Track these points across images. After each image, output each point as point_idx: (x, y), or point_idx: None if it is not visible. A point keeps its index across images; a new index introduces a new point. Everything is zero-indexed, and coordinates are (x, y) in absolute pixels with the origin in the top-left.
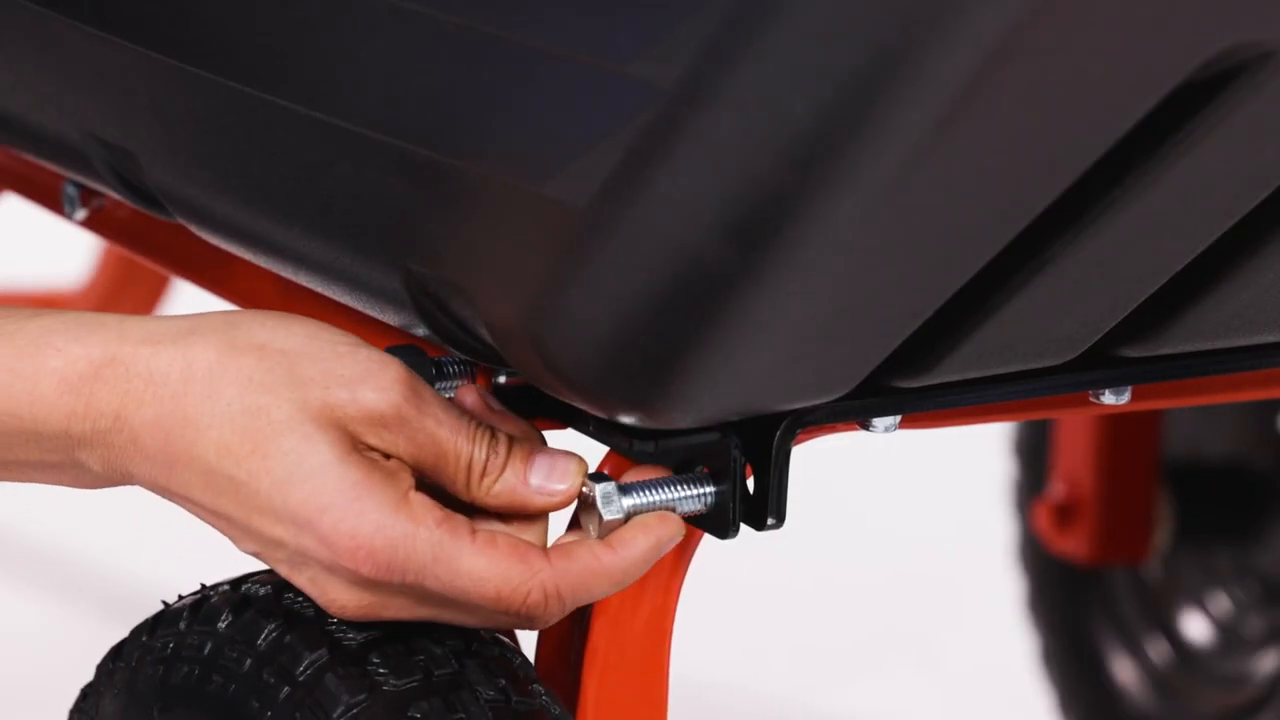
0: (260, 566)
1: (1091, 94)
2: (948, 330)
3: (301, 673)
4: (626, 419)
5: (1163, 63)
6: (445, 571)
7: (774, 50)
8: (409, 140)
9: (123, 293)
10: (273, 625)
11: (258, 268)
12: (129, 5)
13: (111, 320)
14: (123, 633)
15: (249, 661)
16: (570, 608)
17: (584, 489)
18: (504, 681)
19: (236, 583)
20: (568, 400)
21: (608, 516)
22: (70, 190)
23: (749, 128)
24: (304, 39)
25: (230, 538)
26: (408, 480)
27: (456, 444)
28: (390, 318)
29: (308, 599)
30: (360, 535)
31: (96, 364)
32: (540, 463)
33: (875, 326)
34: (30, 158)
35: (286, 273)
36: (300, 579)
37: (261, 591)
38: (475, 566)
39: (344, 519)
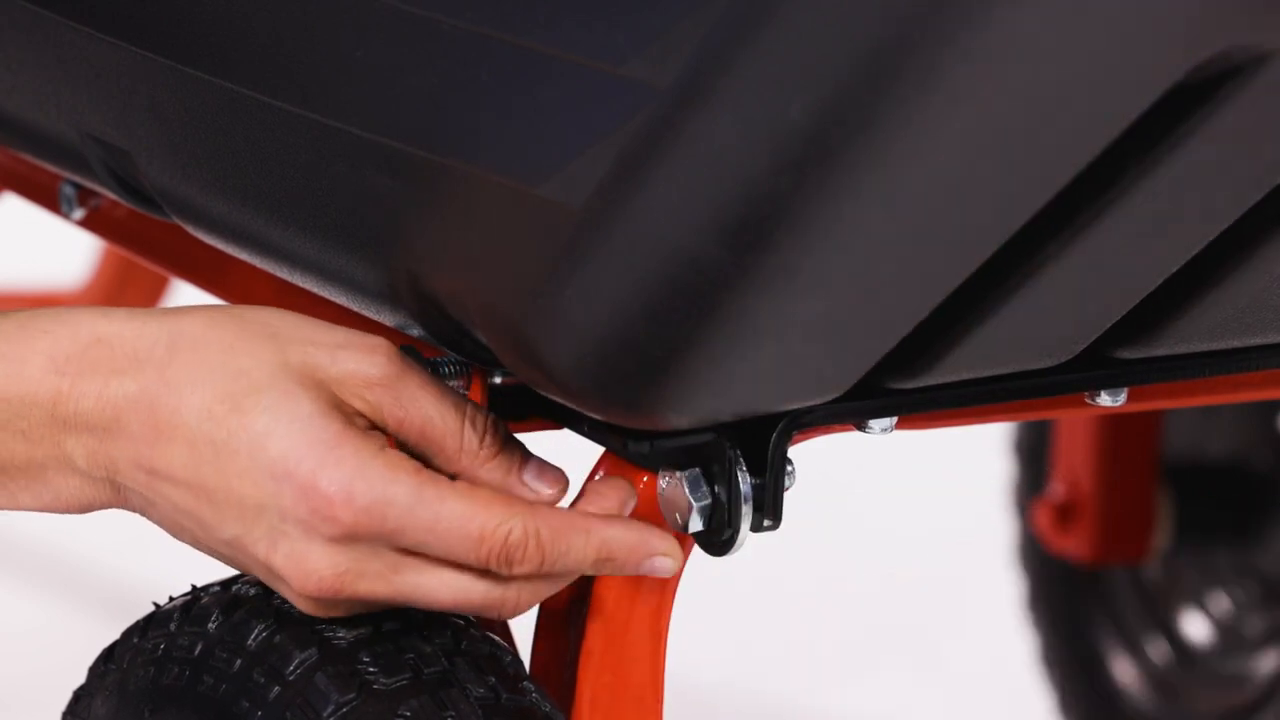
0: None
1: (1084, 96)
2: (943, 332)
3: (291, 672)
4: (621, 421)
5: (1156, 65)
6: (427, 515)
7: (769, 52)
8: (405, 141)
9: (122, 293)
10: (263, 625)
11: (254, 267)
12: (127, 6)
13: (98, 308)
14: (121, 632)
15: (239, 662)
16: (548, 564)
17: (663, 483)
18: (494, 679)
19: (227, 584)
20: (562, 401)
21: (695, 529)
22: (67, 190)
23: (744, 129)
24: (300, 40)
25: (209, 526)
26: (383, 439)
27: (444, 415)
28: (386, 318)
29: None
30: (339, 480)
31: (83, 344)
32: (534, 464)
33: (870, 328)
34: (28, 157)
35: (282, 273)
36: (278, 558)
37: (251, 592)
38: (457, 508)
39: (323, 466)
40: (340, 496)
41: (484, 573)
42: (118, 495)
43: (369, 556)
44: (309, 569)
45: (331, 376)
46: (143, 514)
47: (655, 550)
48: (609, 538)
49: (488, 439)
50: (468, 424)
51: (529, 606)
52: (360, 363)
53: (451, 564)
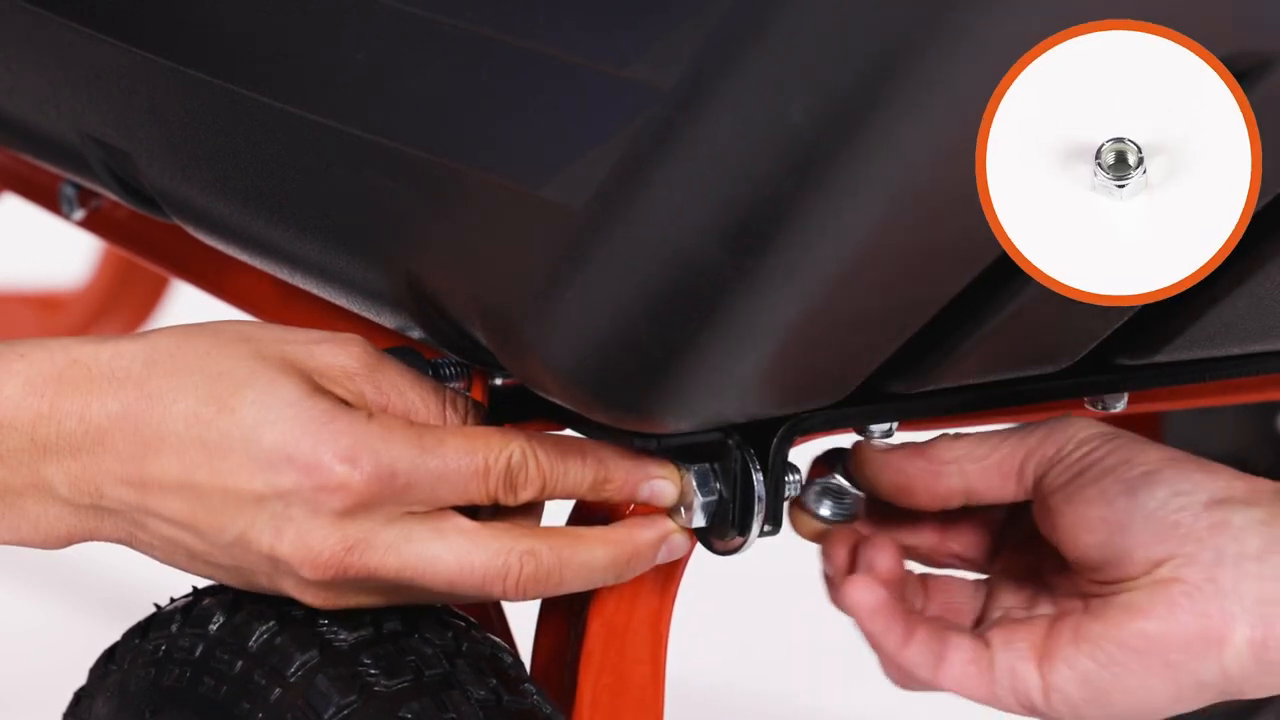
0: None
1: None
2: (943, 337)
3: (292, 674)
4: (621, 423)
5: None
6: (435, 463)
7: (770, 54)
8: (406, 143)
9: (123, 293)
10: (264, 627)
11: (254, 269)
12: (127, 8)
13: (72, 337)
14: (122, 633)
15: (240, 663)
16: (549, 485)
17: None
18: (495, 681)
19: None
20: (562, 403)
21: (698, 524)
22: (68, 190)
23: (746, 132)
24: (302, 42)
25: (207, 533)
26: (368, 410)
27: (424, 398)
28: (387, 319)
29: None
30: (342, 451)
31: (59, 366)
32: None
33: (870, 333)
34: (28, 158)
35: (282, 274)
36: (284, 545)
37: (253, 594)
38: (459, 445)
39: (321, 441)
40: (347, 466)
41: (489, 533)
42: (101, 524)
43: (379, 526)
44: (317, 546)
45: (311, 369)
46: (128, 542)
47: (653, 474)
48: (605, 458)
49: (469, 420)
50: (448, 406)
51: (530, 580)
52: (337, 355)
53: (456, 526)
